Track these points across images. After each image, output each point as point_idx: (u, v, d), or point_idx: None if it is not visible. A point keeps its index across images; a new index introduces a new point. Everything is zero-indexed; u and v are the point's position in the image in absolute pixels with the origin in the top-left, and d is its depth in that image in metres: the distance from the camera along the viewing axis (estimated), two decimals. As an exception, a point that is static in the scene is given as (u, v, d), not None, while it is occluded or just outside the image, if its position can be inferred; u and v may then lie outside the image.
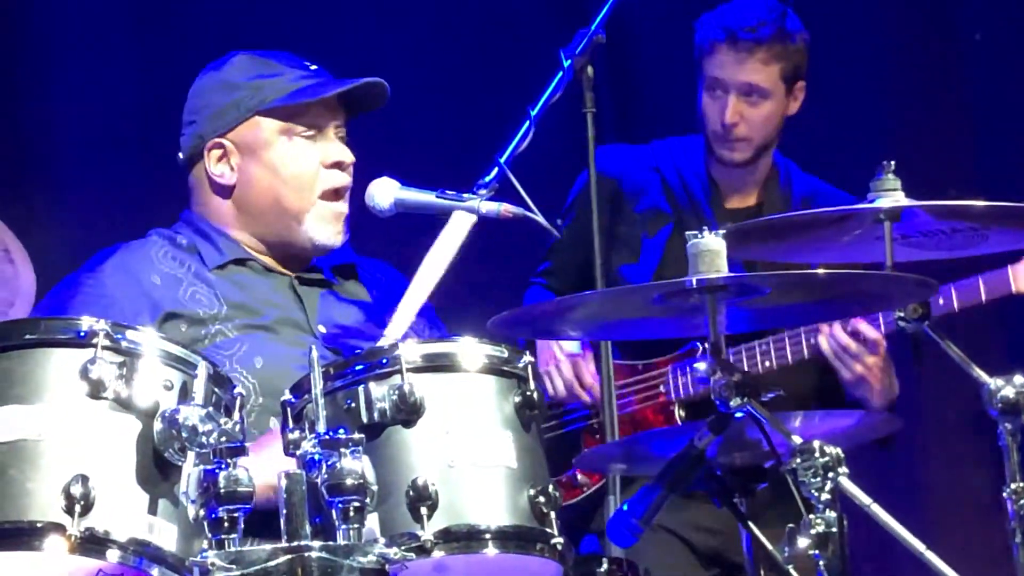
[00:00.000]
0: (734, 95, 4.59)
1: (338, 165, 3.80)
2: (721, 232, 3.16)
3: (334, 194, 3.80)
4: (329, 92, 3.78)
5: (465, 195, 3.83)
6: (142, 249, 3.80)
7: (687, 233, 3.20)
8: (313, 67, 3.86)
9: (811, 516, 3.06)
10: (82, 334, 2.88)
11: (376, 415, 2.97)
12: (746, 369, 4.36)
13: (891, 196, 3.45)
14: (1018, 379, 3.37)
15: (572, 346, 4.52)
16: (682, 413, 4.56)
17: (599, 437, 4.56)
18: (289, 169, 3.78)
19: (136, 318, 3.61)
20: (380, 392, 2.98)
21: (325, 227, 3.79)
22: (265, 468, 2.95)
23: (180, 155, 3.87)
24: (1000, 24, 5.52)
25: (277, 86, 3.80)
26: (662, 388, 4.59)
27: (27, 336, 2.89)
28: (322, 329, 3.78)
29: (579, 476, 4.55)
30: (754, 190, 4.73)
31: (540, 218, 3.87)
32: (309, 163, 3.79)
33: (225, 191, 3.82)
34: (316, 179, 3.79)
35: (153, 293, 3.70)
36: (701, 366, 3.28)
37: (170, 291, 3.71)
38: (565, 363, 4.52)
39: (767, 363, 4.50)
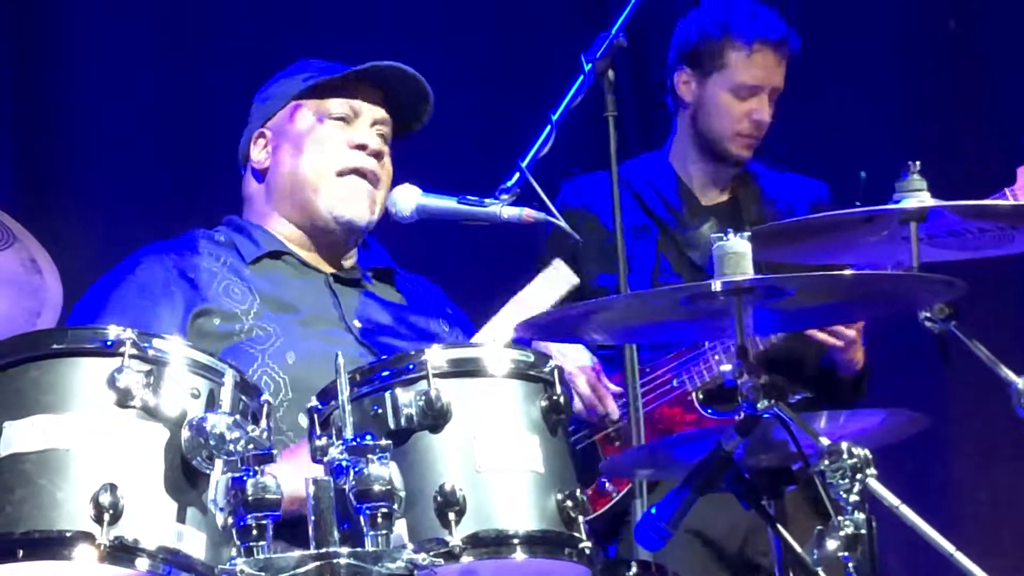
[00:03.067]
0: (766, 96, 4.64)
1: (362, 147, 3.82)
2: (747, 234, 3.16)
3: (352, 172, 3.81)
4: (357, 69, 3.82)
5: (487, 200, 3.84)
6: (179, 245, 3.83)
7: (712, 236, 3.19)
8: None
9: (840, 518, 3.05)
10: (109, 343, 2.89)
11: (403, 421, 2.97)
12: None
13: (917, 196, 3.44)
14: (1046, 378, 3.36)
15: (583, 358, 4.51)
16: (700, 397, 4.57)
17: (619, 445, 4.56)
18: (313, 146, 3.83)
19: (171, 312, 3.64)
20: (407, 398, 2.97)
21: (343, 201, 3.81)
22: (294, 478, 2.95)
23: (239, 164, 3.96)
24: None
25: (317, 76, 3.85)
26: (675, 383, 4.59)
27: (54, 345, 2.89)
28: (357, 324, 3.79)
29: (607, 484, 4.55)
30: (727, 185, 4.77)
31: (562, 222, 3.88)
32: (334, 143, 3.83)
33: (262, 175, 3.89)
34: (336, 156, 3.81)
35: (188, 286, 3.72)
36: (727, 368, 3.27)
37: (205, 285, 3.74)
38: (581, 377, 4.51)
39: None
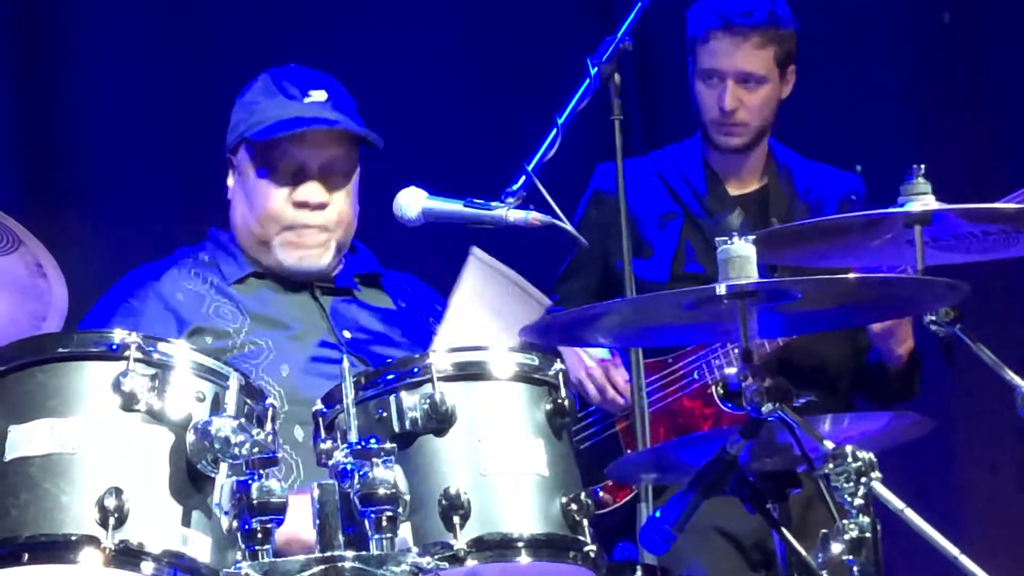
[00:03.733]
0: (731, 81, 4.61)
1: (304, 205, 3.81)
2: (751, 237, 3.16)
3: (298, 230, 3.81)
4: (276, 134, 3.77)
5: (493, 204, 3.84)
6: (166, 268, 3.84)
7: (716, 240, 3.19)
8: (312, 98, 3.84)
9: (844, 521, 3.05)
10: (114, 347, 2.90)
11: (408, 424, 2.97)
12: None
13: (921, 200, 3.44)
14: (1051, 382, 3.36)
15: (600, 351, 4.53)
16: (720, 391, 4.57)
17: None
18: (257, 202, 3.83)
19: (165, 335, 3.64)
20: (411, 401, 2.98)
21: (289, 252, 3.81)
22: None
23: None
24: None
25: (262, 115, 3.82)
26: (696, 375, 4.60)
27: (60, 350, 2.90)
28: (347, 335, 3.79)
29: (601, 493, 4.54)
30: (755, 175, 4.76)
31: (568, 226, 3.88)
32: (276, 199, 3.82)
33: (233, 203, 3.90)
34: (282, 215, 3.81)
35: (179, 310, 3.73)
36: (731, 371, 3.27)
37: (194, 307, 3.75)
38: (596, 369, 4.52)
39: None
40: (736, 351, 4.51)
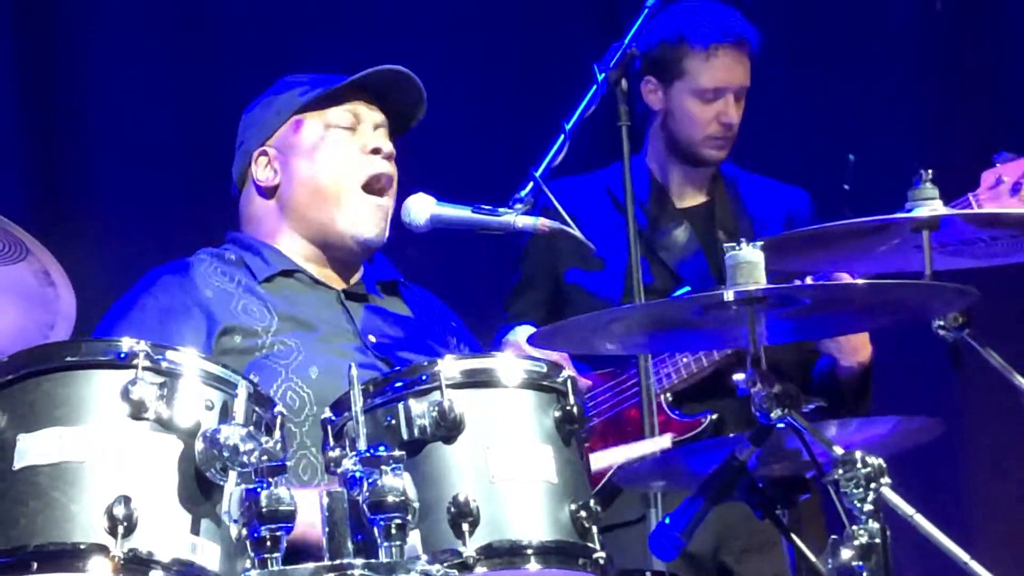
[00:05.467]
0: (731, 96, 4.62)
1: (376, 151, 3.82)
2: (760, 243, 3.16)
3: (376, 184, 3.81)
4: (354, 77, 3.81)
5: (501, 210, 3.84)
6: (193, 265, 3.83)
7: (724, 245, 3.19)
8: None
9: (854, 527, 3.05)
10: (122, 355, 2.89)
11: (416, 432, 2.97)
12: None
13: (929, 205, 3.44)
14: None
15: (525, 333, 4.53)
16: (670, 399, 4.57)
17: (589, 445, 4.57)
18: (328, 155, 3.82)
19: (195, 332, 3.64)
20: (420, 409, 2.98)
21: (365, 220, 3.80)
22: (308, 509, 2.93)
23: (232, 185, 3.93)
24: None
25: (309, 88, 3.85)
26: None
27: (68, 358, 2.90)
28: (372, 339, 3.79)
29: None
30: (702, 188, 4.76)
31: (576, 232, 3.88)
32: (347, 151, 3.82)
33: (270, 193, 3.88)
34: (355, 166, 3.81)
35: (209, 307, 3.72)
36: (739, 377, 3.27)
37: (223, 305, 3.73)
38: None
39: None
40: (685, 360, 4.52)
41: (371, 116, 3.86)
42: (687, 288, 4.53)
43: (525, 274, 4.69)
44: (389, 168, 3.83)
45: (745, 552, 4.50)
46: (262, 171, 3.87)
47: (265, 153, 3.87)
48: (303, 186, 3.83)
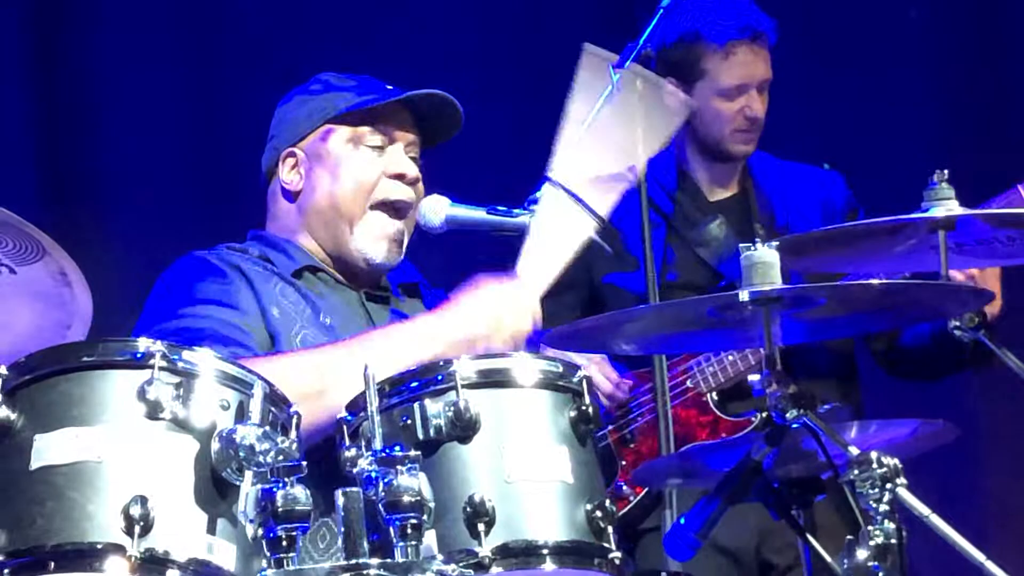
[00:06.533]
0: (754, 90, 4.62)
1: (400, 177, 3.80)
2: (775, 243, 3.15)
3: (390, 208, 3.80)
4: (394, 97, 3.80)
5: (516, 211, 3.84)
6: (221, 251, 3.82)
7: (740, 246, 3.19)
8: (390, 87, 3.88)
9: (870, 528, 3.04)
10: (139, 355, 2.90)
11: (432, 432, 2.97)
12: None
13: (945, 205, 3.43)
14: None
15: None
16: (715, 398, 4.56)
17: (635, 447, 4.56)
18: (350, 174, 3.80)
19: (248, 298, 3.65)
20: (436, 408, 2.98)
21: (375, 242, 3.79)
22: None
23: (261, 175, 3.92)
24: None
25: (348, 96, 3.83)
26: (689, 383, 4.59)
27: (84, 358, 2.90)
28: None
29: (624, 487, 4.54)
30: (733, 180, 4.75)
31: (592, 233, 3.87)
32: (371, 171, 3.80)
33: (292, 196, 3.87)
34: (374, 187, 3.80)
35: (254, 282, 3.72)
36: (755, 378, 3.26)
37: (264, 283, 3.73)
38: (592, 367, 4.50)
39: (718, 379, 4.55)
40: (731, 358, 4.52)
41: (404, 136, 3.83)
42: (730, 285, 4.52)
43: (560, 274, 4.64)
44: (410, 194, 3.81)
45: (789, 546, 4.48)
46: (288, 173, 3.86)
47: (293, 155, 3.86)
48: (323, 199, 3.82)
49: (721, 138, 4.69)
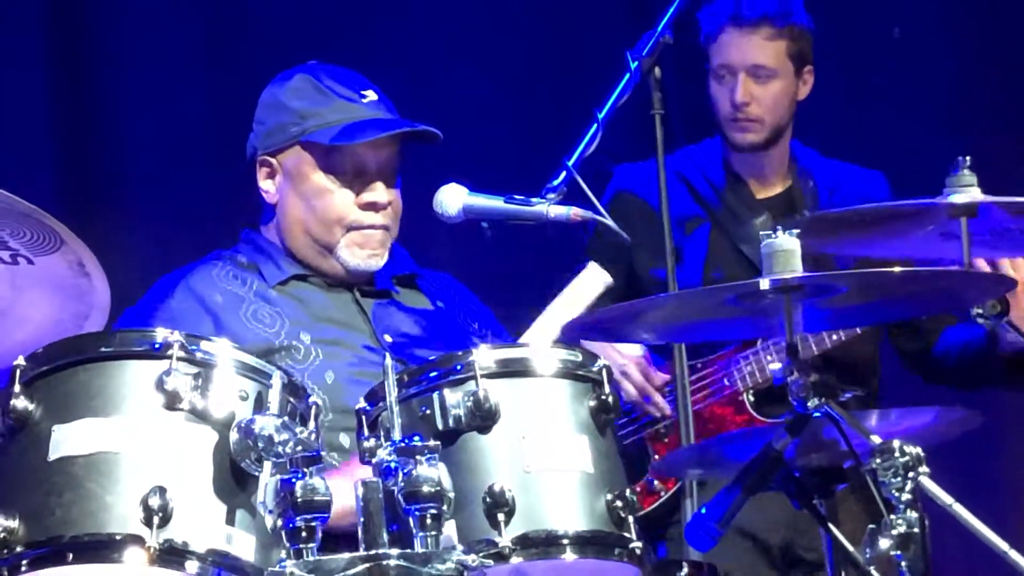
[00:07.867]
0: (743, 75, 4.57)
1: (372, 207, 3.79)
2: (795, 231, 3.13)
3: (367, 227, 3.79)
4: (363, 139, 3.75)
5: (533, 199, 3.83)
6: (204, 270, 3.82)
7: (761, 233, 3.17)
8: (368, 98, 3.82)
9: (892, 516, 3.03)
10: (157, 346, 2.89)
11: (451, 422, 2.96)
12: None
13: (967, 192, 3.41)
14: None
15: (634, 349, 4.49)
16: (752, 399, 4.54)
17: (668, 441, 4.54)
18: (321, 204, 3.79)
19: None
20: (455, 399, 2.97)
21: (355, 252, 3.79)
22: (348, 493, 2.92)
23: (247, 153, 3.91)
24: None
25: (322, 118, 3.79)
26: (726, 381, 4.56)
27: (102, 349, 2.90)
28: (388, 339, 3.77)
29: (656, 482, 4.52)
30: (778, 177, 4.71)
31: (610, 221, 3.86)
32: (342, 201, 3.79)
33: (270, 208, 3.87)
34: (347, 217, 3.78)
35: (217, 312, 3.71)
36: (776, 366, 3.24)
37: (232, 309, 3.73)
38: (632, 367, 4.48)
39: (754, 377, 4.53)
40: (769, 358, 4.49)
41: (376, 160, 3.79)
42: None
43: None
44: (381, 220, 3.79)
45: (818, 540, 4.46)
46: (264, 181, 3.85)
47: (268, 164, 3.84)
48: (297, 225, 3.82)
49: (720, 124, 4.65)
